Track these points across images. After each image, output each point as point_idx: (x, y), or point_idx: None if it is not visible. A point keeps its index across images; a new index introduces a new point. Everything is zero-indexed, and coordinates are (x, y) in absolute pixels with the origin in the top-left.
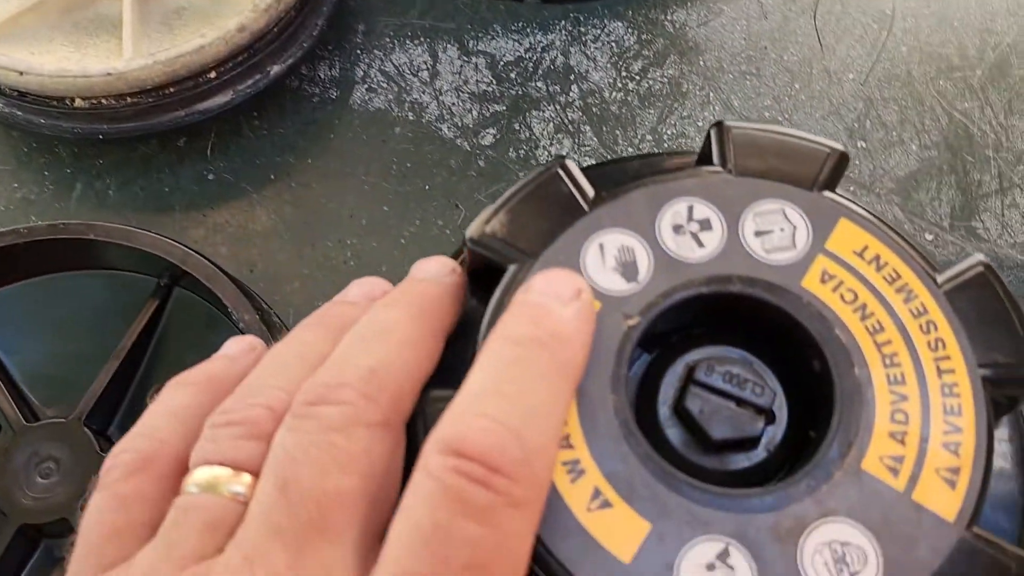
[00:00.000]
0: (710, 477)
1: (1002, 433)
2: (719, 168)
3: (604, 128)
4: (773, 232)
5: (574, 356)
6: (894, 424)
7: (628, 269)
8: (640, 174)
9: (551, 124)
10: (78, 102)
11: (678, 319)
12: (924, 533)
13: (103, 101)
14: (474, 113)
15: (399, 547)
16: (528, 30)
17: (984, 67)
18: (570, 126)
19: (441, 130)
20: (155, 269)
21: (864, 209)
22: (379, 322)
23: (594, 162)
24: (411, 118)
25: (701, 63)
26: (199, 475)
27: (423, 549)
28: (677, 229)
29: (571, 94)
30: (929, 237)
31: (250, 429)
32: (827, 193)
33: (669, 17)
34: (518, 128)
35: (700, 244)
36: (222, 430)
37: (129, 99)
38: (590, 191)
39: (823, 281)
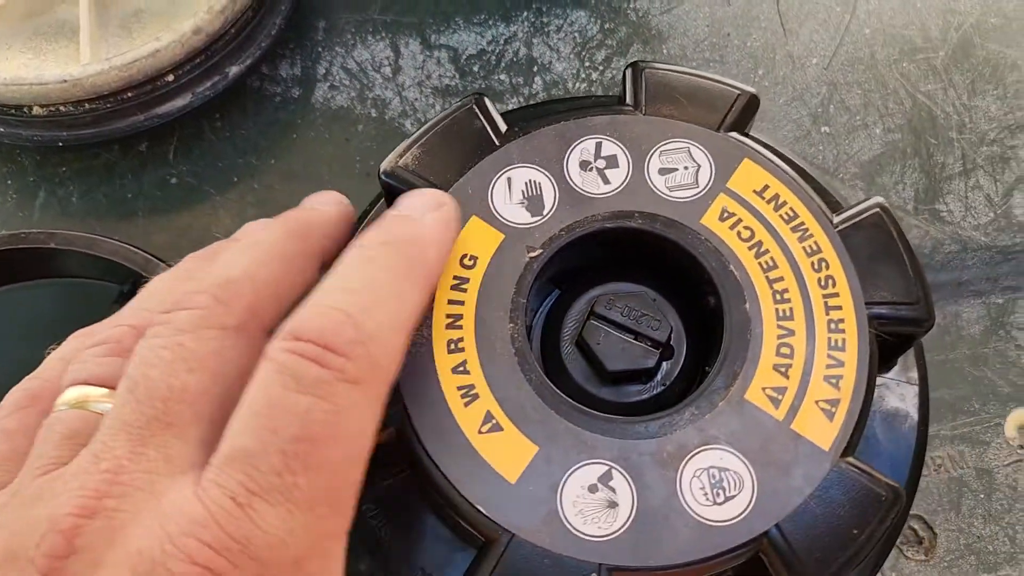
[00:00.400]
0: (610, 409)
1: (904, 375)
2: (631, 108)
3: None
4: (677, 170)
5: (424, 255)
6: (779, 357)
7: (534, 203)
8: (558, 113)
9: None
10: (36, 110)
11: (582, 253)
12: (799, 461)
13: (61, 108)
14: (437, 108)
15: (233, 427)
16: (490, 22)
17: (947, 48)
18: None
19: (404, 126)
20: (118, 276)
21: (771, 150)
22: (248, 237)
23: None
24: (374, 115)
25: (664, 51)
26: (68, 395)
27: (254, 422)
28: (584, 165)
29: (534, 86)
30: None
31: (112, 347)
32: (733, 134)
33: (632, 5)
34: None
35: (606, 180)
36: (88, 352)
37: (87, 105)
38: (503, 126)
39: (722, 219)
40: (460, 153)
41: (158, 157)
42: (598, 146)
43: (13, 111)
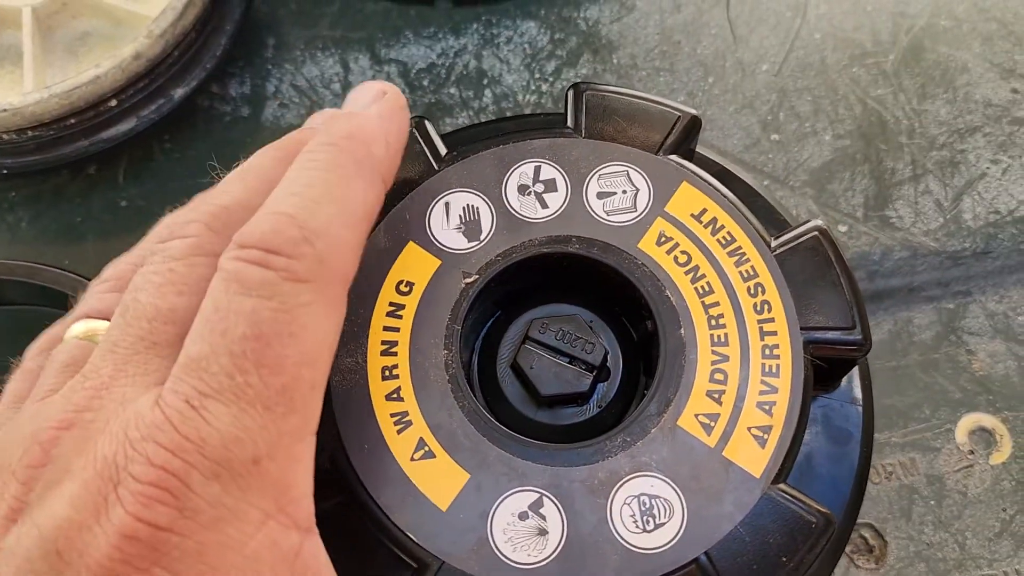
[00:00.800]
0: (548, 432)
1: (848, 395)
2: (571, 130)
3: None
4: (616, 194)
5: (367, 148)
6: (713, 383)
7: (471, 228)
8: (501, 135)
9: None
10: None
11: (520, 278)
12: (730, 487)
13: (3, 136)
14: None
15: (188, 338)
16: (440, 35)
17: (897, 51)
18: None
19: None
20: (64, 304)
21: (715, 170)
22: (252, 160)
23: None
24: None
25: (615, 61)
26: (74, 328)
27: (204, 328)
28: (523, 190)
29: (484, 99)
30: (843, 229)
31: (115, 283)
32: (673, 157)
33: (582, 15)
34: None
35: (544, 205)
36: (93, 288)
37: (30, 132)
38: (443, 150)
39: (659, 243)
40: (400, 177)
41: (107, 180)
42: (537, 170)
43: None
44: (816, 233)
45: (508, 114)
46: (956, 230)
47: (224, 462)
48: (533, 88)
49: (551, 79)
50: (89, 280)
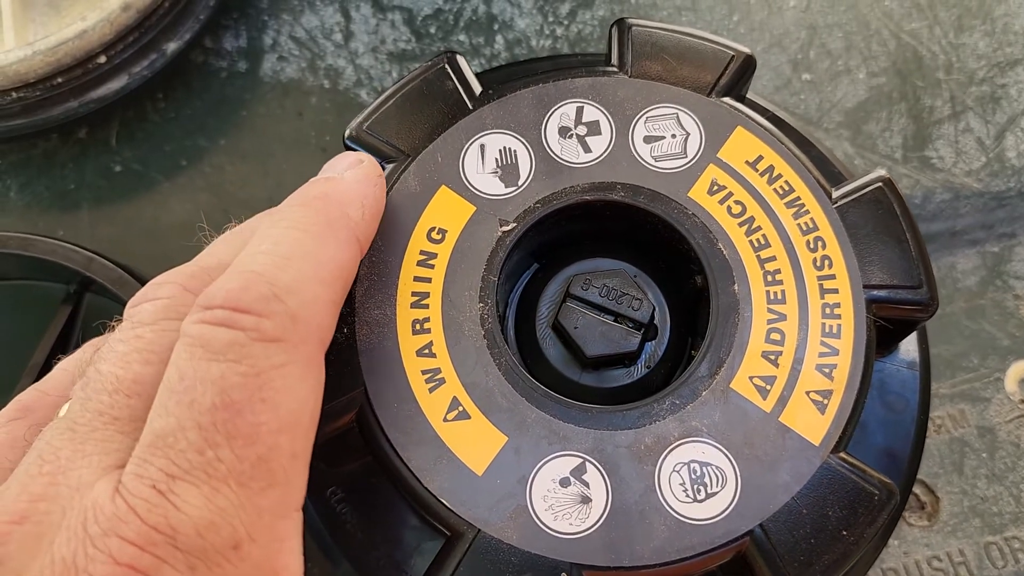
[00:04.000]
0: (592, 395)
1: (905, 360)
2: (616, 69)
3: None
4: (664, 138)
5: (342, 209)
6: (769, 344)
7: (508, 172)
8: (537, 73)
9: None
10: None
11: (560, 228)
12: (787, 456)
13: None
14: (394, 75)
15: (152, 411)
16: None
17: None
18: None
19: (360, 96)
20: (62, 276)
21: (768, 115)
22: (245, 224)
23: None
24: (327, 86)
25: (632, 1)
26: (67, 407)
27: (168, 400)
28: (564, 132)
29: (496, 45)
30: (882, 172)
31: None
32: (726, 99)
33: None
34: None
35: (587, 149)
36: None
37: (14, 94)
38: (477, 88)
39: (711, 192)
40: (430, 117)
41: (100, 143)
42: (579, 111)
43: None
44: (880, 184)
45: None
46: (1000, 169)
47: (200, 552)
48: (547, 32)
49: (566, 22)
50: (87, 250)
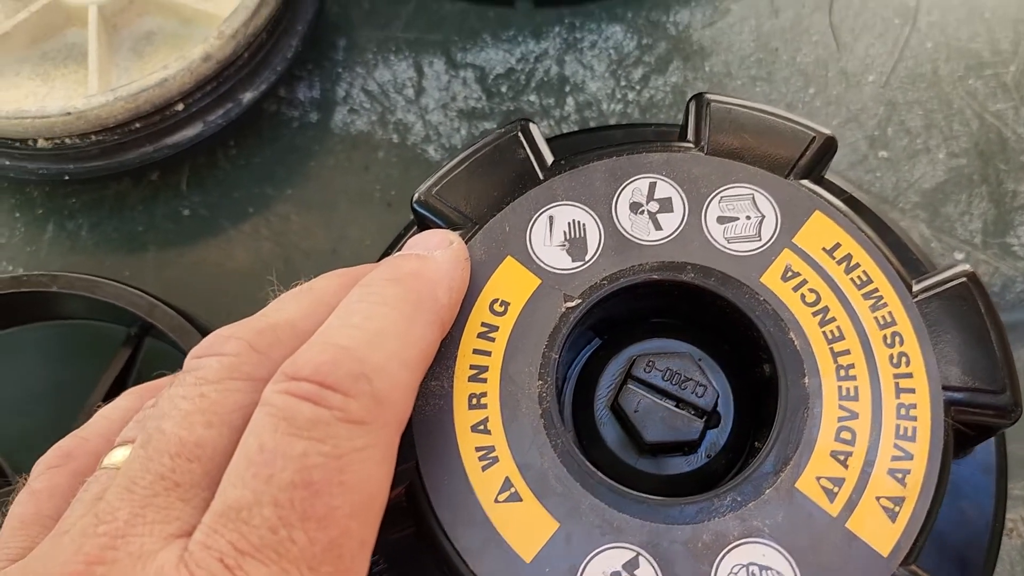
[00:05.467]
0: (647, 481)
1: (979, 465)
2: (691, 145)
3: None
4: (739, 219)
5: (432, 290)
6: (839, 443)
7: (576, 246)
8: (611, 144)
9: None
10: (41, 142)
11: (626, 305)
12: (852, 566)
13: (67, 141)
14: (463, 132)
15: (226, 480)
16: (520, 38)
17: (1019, 63)
18: None
19: (427, 151)
20: (125, 319)
21: (848, 200)
22: (314, 282)
23: None
24: (395, 140)
25: (707, 68)
26: (113, 455)
27: (247, 472)
28: (635, 208)
29: (566, 107)
30: (959, 256)
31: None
32: (804, 182)
33: (672, 19)
34: None
35: (658, 226)
36: (146, 412)
37: (93, 137)
38: (549, 158)
39: (785, 278)
40: (500, 185)
41: (170, 187)
42: (652, 186)
43: (18, 144)
44: (965, 279)
45: (591, 124)
46: None
47: None
48: (619, 96)
49: (638, 87)
50: (150, 295)
